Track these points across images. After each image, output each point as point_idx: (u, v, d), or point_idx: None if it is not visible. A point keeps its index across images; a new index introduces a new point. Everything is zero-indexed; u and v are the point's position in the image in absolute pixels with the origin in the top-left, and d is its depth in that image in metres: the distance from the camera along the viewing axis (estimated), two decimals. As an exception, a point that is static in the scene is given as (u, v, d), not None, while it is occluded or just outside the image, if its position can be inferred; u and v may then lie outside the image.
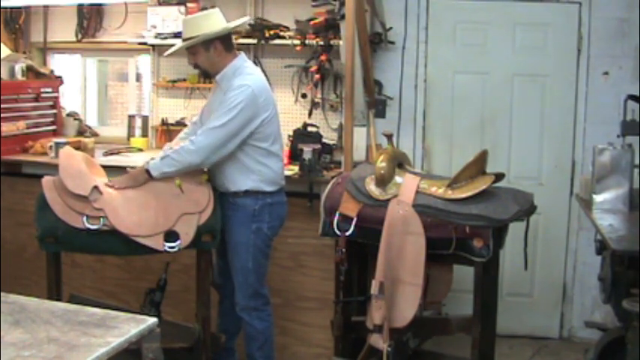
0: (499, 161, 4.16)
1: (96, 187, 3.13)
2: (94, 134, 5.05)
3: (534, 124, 4.38)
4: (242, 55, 3.39)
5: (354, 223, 3.12)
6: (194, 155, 3.17)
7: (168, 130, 4.83)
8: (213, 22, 3.30)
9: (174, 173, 3.22)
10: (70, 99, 5.32)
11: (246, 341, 3.49)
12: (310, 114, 4.51)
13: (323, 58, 4.30)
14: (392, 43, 4.37)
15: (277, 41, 4.39)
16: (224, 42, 3.31)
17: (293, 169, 3.94)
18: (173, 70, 4.87)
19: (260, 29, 4.40)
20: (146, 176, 3.22)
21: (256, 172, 3.29)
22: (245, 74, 3.29)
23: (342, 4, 3.86)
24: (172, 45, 4.63)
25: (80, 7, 5.01)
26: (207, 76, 3.40)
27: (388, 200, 3.07)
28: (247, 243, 3.31)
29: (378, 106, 4.39)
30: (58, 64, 5.38)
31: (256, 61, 4.54)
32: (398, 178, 3.15)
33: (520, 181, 4.13)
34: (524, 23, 4.34)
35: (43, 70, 4.96)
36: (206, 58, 3.30)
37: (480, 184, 3.01)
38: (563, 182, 4.38)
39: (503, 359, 3.96)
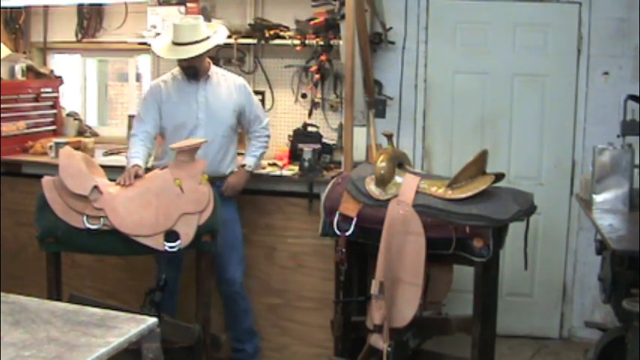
0: (499, 161, 4.16)
1: (96, 187, 3.14)
2: (94, 134, 5.04)
3: (534, 124, 4.38)
4: None
5: (354, 223, 3.13)
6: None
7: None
8: (204, 26, 3.59)
9: None
10: (70, 99, 5.31)
11: (242, 319, 3.76)
12: (310, 114, 4.51)
13: (323, 58, 4.29)
14: (392, 43, 4.37)
15: (277, 41, 4.38)
16: None
17: (293, 169, 3.94)
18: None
19: (260, 29, 4.39)
20: (248, 176, 3.70)
21: (235, 156, 3.75)
22: (224, 69, 3.89)
23: (342, 4, 3.85)
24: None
25: (80, 7, 5.00)
26: (193, 77, 3.61)
27: (388, 200, 3.08)
28: (235, 218, 3.71)
29: (378, 106, 4.39)
30: (58, 64, 5.37)
31: (256, 61, 4.55)
32: (398, 178, 3.15)
33: (520, 181, 4.13)
34: (524, 23, 4.34)
35: (43, 70, 4.96)
36: (204, 59, 3.58)
37: (480, 184, 3.01)
38: (563, 182, 4.38)
39: (504, 359, 3.97)
